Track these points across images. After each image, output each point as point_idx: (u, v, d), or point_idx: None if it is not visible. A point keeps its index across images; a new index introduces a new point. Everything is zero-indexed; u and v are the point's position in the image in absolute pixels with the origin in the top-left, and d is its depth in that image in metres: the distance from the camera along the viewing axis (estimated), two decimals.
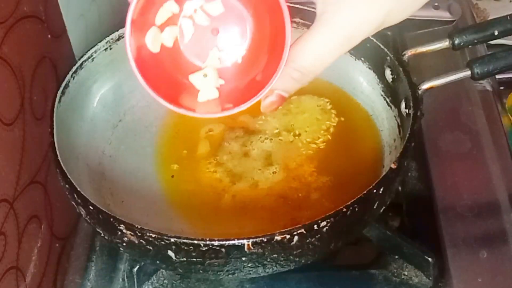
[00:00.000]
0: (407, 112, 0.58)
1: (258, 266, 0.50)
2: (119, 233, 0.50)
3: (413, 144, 0.55)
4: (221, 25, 0.52)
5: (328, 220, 0.49)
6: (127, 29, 0.48)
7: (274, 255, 0.49)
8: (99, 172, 0.62)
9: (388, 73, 0.62)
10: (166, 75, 0.52)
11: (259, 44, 0.51)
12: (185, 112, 0.51)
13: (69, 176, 0.53)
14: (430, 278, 0.61)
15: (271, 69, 0.48)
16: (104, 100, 0.66)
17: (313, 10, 0.47)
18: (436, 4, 0.81)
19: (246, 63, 0.52)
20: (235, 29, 0.52)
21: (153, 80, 0.50)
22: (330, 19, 0.45)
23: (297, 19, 0.64)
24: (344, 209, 0.49)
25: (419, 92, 0.58)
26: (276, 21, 0.47)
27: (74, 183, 0.53)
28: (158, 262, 0.53)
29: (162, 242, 0.49)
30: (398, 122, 0.61)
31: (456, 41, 0.60)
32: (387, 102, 0.64)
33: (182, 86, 0.53)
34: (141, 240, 0.49)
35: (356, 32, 0.46)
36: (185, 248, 0.49)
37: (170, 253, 0.49)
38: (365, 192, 0.50)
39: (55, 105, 0.59)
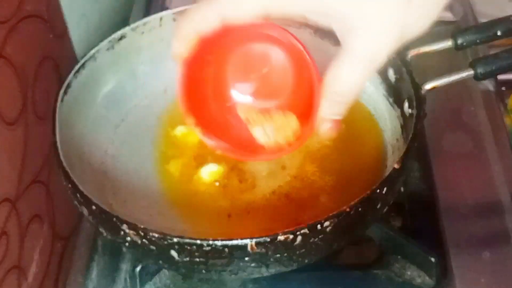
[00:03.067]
0: (410, 112, 0.58)
1: (261, 266, 0.50)
2: (122, 232, 0.50)
3: (416, 144, 0.55)
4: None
5: (332, 220, 0.49)
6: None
7: (277, 255, 0.49)
8: (102, 171, 0.62)
9: (391, 73, 0.62)
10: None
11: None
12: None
13: (71, 176, 0.53)
14: (433, 278, 0.61)
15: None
16: (107, 100, 0.66)
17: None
18: None
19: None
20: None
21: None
22: (351, 49, 0.47)
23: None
24: (348, 209, 0.49)
25: (422, 92, 0.57)
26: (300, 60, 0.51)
27: (77, 183, 0.53)
28: (160, 262, 0.53)
29: (165, 242, 0.49)
30: (401, 122, 0.61)
31: (459, 41, 0.60)
32: (389, 102, 0.64)
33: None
34: (144, 240, 0.49)
35: (377, 53, 0.48)
36: (188, 248, 0.49)
37: (173, 253, 0.49)
38: (368, 192, 0.50)
39: (58, 105, 0.58)
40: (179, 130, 0.66)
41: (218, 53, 0.54)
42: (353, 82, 0.49)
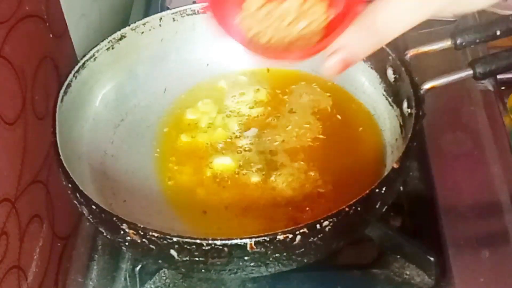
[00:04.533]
0: (409, 111, 0.58)
1: (261, 266, 0.50)
2: (122, 232, 0.50)
3: (415, 144, 0.55)
4: None
5: (331, 220, 0.49)
6: None
7: (277, 255, 0.49)
8: (101, 171, 0.62)
9: (390, 73, 0.62)
10: None
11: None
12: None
13: (71, 176, 0.53)
14: (432, 278, 0.61)
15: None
16: (106, 100, 0.66)
17: None
18: None
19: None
20: None
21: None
22: None
23: None
24: (347, 209, 0.49)
25: (421, 91, 0.58)
26: None
27: (77, 183, 0.53)
28: (160, 261, 0.53)
29: (165, 242, 0.49)
30: (400, 122, 0.61)
31: (459, 41, 0.60)
32: (389, 101, 0.64)
33: None
34: (143, 240, 0.49)
35: None
36: (188, 247, 0.49)
37: (173, 252, 0.49)
38: (367, 191, 0.50)
39: (57, 105, 0.58)
40: (178, 130, 0.66)
41: None
42: (396, 18, 0.44)
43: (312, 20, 0.49)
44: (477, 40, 0.60)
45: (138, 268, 0.60)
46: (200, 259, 0.49)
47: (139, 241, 0.50)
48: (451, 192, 0.65)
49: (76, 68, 0.62)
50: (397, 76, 0.61)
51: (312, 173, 0.61)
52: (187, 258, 0.50)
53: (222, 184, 0.61)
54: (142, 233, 0.49)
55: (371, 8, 0.45)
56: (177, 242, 0.48)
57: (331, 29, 0.48)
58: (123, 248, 0.54)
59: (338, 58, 0.45)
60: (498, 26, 0.59)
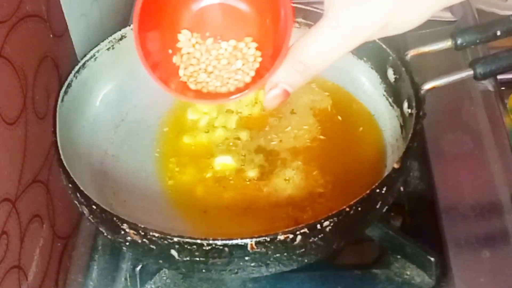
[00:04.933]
0: (410, 112, 0.58)
1: (261, 266, 0.50)
2: (122, 232, 0.50)
3: (415, 144, 0.55)
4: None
5: (331, 220, 0.49)
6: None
7: (277, 255, 0.49)
8: (102, 171, 0.62)
9: (390, 73, 0.62)
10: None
11: (263, 39, 0.52)
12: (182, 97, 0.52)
13: (72, 176, 0.53)
14: (433, 278, 0.61)
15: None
16: (107, 100, 0.66)
17: (316, 10, 0.47)
18: None
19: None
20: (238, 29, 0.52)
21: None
22: (335, 14, 0.45)
23: (299, 19, 0.64)
24: (347, 209, 0.49)
25: (422, 92, 0.58)
26: (277, 13, 0.48)
27: (77, 183, 0.53)
28: (161, 261, 0.53)
29: (165, 242, 0.49)
30: (400, 122, 0.61)
31: (459, 41, 0.60)
32: (389, 102, 0.64)
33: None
34: (144, 240, 0.49)
35: (359, 29, 0.45)
36: (188, 247, 0.49)
37: (173, 252, 0.49)
38: (368, 192, 0.50)
39: (58, 105, 0.59)
40: (179, 130, 0.66)
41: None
42: (322, 53, 0.46)
43: (245, 62, 0.52)
44: (478, 41, 0.60)
45: (138, 268, 0.60)
46: (201, 259, 0.49)
47: (139, 241, 0.50)
48: (452, 192, 0.65)
49: (77, 68, 0.62)
50: (398, 76, 0.61)
51: (312, 173, 0.61)
52: (188, 258, 0.50)
53: (222, 184, 0.61)
54: (142, 233, 0.49)
55: (300, 43, 0.47)
56: (178, 242, 0.48)
57: (263, 68, 0.51)
58: (124, 248, 0.54)
59: (276, 92, 0.48)
60: (498, 27, 0.59)
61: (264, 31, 0.52)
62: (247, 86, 0.51)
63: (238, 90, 0.51)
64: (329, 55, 0.46)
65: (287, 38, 0.48)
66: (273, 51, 0.51)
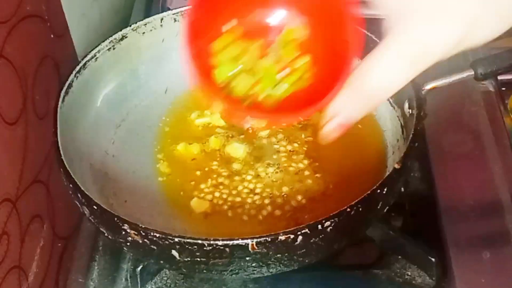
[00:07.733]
0: (411, 112, 0.58)
1: (262, 266, 0.50)
2: (123, 232, 0.50)
3: (416, 144, 0.55)
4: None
5: (332, 220, 0.49)
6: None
7: (278, 255, 0.49)
8: (102, 171, 0.62)
9: None
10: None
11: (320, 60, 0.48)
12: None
13: (72, 176, 0.53)
14: (433, 278, 0.61)
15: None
16: (107, 100, 0.66)
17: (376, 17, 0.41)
18: None
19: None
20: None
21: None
22: (403, 32, 0.38)
23: None
24: (348, 209, 0.49)
25: (422, 92, 0.58)
26: (339, 33, 0.43)
27: (78, 183, 0.53)
28: (161, 261, 0.53)
29: (166, 242, 0.49)
30: (401, 122, 0.61)
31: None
32: (390, 102, 0.64)
33: None
34: (145, 240, 0.49)
35: (427, 51, 0.39)
36: (189, 247, 0.49)
37: (174, 252, 0.49)
38: (369, 192, 0.50)
39: (59, 105, 0.58)
40: (179, 130, 0.66)
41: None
42: (389, 80, 0.40)
43: (294, 71, 0.48)
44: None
45: (139, 268, 0.60)
46: (202, 259, 0.49)
47: (140, 241, 0.50)
48: (452, 192, 0.65)
49: (77, 68, 0.62)
50: None
51: (313, 174, 0.61)
52: (189, 259, 0.50)
53: (223, 185, 0.61)
54: (143, 234, 0.49)
55: (362, 69, 0.41)
56: (179, 243, 0.48)
57: (320, 87, 0.46)
58: (124, 248, 0.54)
59: (334, 124, 0.44)
60: None
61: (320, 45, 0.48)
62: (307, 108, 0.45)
63: (298, 111, 0.46)
64: (397, 81, 0.40)
65: (349, 59, 0.42)
66: (326, 69, 0.46)
